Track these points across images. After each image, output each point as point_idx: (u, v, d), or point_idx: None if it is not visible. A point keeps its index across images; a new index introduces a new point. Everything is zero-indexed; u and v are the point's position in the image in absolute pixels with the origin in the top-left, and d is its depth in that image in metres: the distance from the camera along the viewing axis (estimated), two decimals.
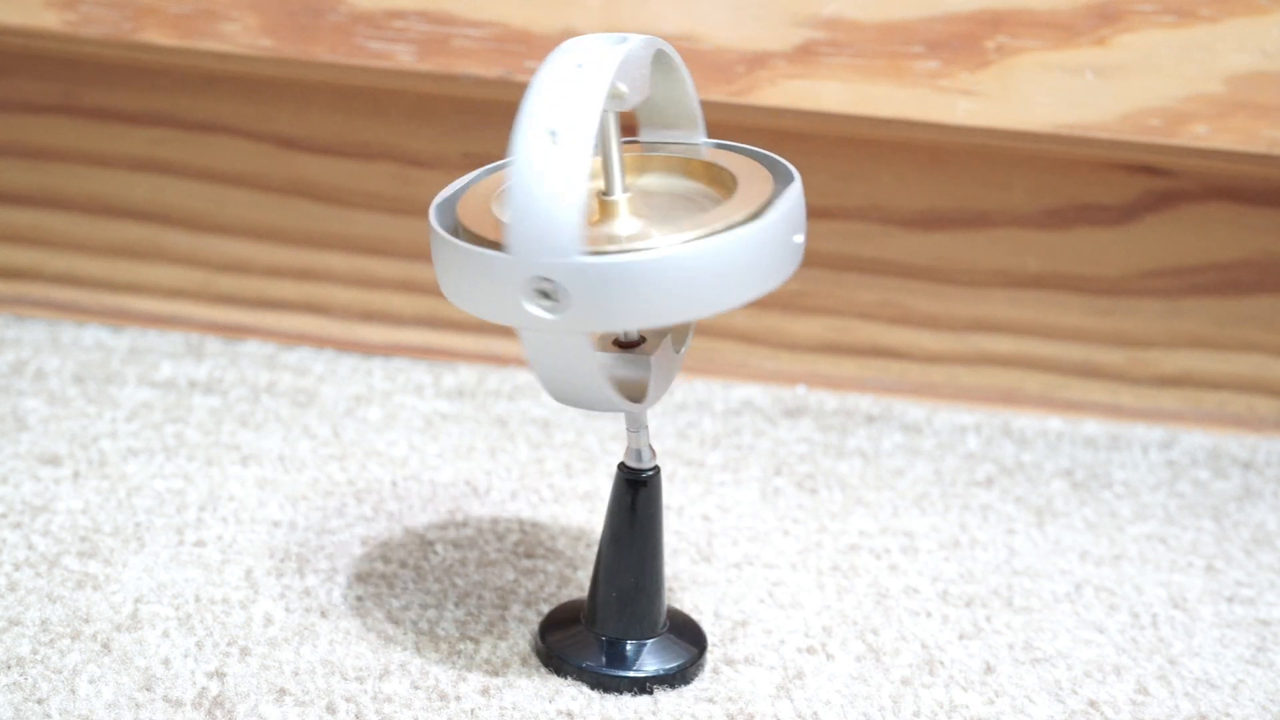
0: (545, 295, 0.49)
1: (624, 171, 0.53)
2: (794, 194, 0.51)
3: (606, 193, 0.53)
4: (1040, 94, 0.69)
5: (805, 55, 0.69)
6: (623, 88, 0.50)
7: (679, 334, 0.57)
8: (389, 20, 0.70)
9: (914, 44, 0.69)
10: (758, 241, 0.50)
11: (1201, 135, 0.69)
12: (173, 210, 0.77)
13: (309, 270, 0.78)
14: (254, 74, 0.74)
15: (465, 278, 0.50)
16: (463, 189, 0.55)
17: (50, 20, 0.70)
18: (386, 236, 0.77)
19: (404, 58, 0.70)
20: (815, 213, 0.75)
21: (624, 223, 0.52)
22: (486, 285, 0.49)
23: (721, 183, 0.54)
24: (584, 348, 0.50)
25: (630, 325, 0.49)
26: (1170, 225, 0.75)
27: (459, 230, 0.52)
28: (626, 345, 0.55)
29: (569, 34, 0.69)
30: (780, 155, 0.55)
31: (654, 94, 0.55)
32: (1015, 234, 0.76)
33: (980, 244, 0.76)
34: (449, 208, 0.54)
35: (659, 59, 0.53)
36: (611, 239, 0.51)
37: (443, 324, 0.77)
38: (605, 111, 0.51)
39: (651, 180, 0.56)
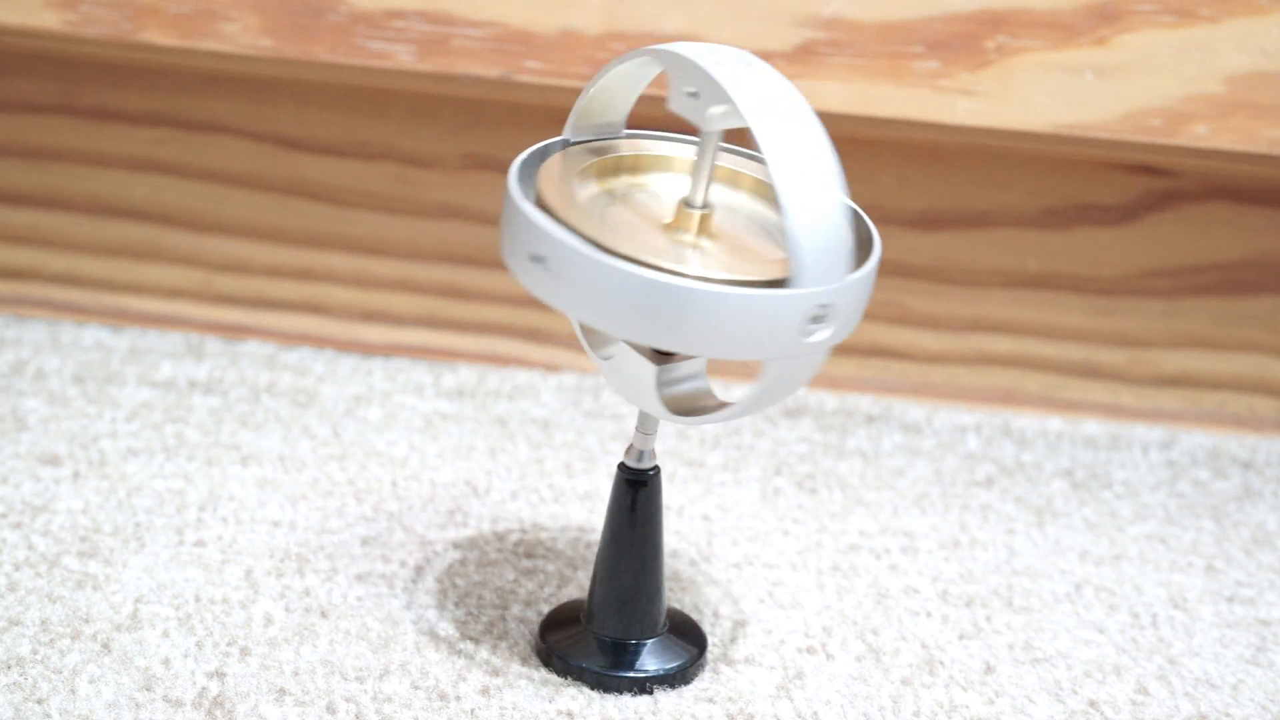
0: (818, 320, 0.49)
1: (708, 188, 0.53)
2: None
3: (689, 203, 0.53)
4: (1040, 94, 0.69)
5: (805, 55, 0.69)
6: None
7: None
8: (389, 20, 0.70)
9: (914, 44, 0.69)
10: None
11: (1201, 135, 0.69)
12: (173, 210, 0.77)
13: (309, 270, 0.78)
14: (254, 74, 0.74)
15: (734, 321, 0.49)
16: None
17: (50, 20, 0.70)
18: (386, 236, 0.77)
19: (404, 58, 0.70)
20: None
21: (690, 236, 0.52)
22: (763, 324, 0.49)
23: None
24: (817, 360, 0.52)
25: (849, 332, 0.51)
26: (1170, 225, 0.75)
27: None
28: (662, 354, 0.54)
29: (569, 34, 0.69)
30: None
31: None
32: (1015, 234, 0.76)
33: (980, 244, 0.76)
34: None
35: None
36: (677, 251, 0.51)
37: (443, 324, 0.77)
38: (707, 128, 0.51)
39: (736, 198, 0.55)
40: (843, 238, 0.49)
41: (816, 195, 0.49)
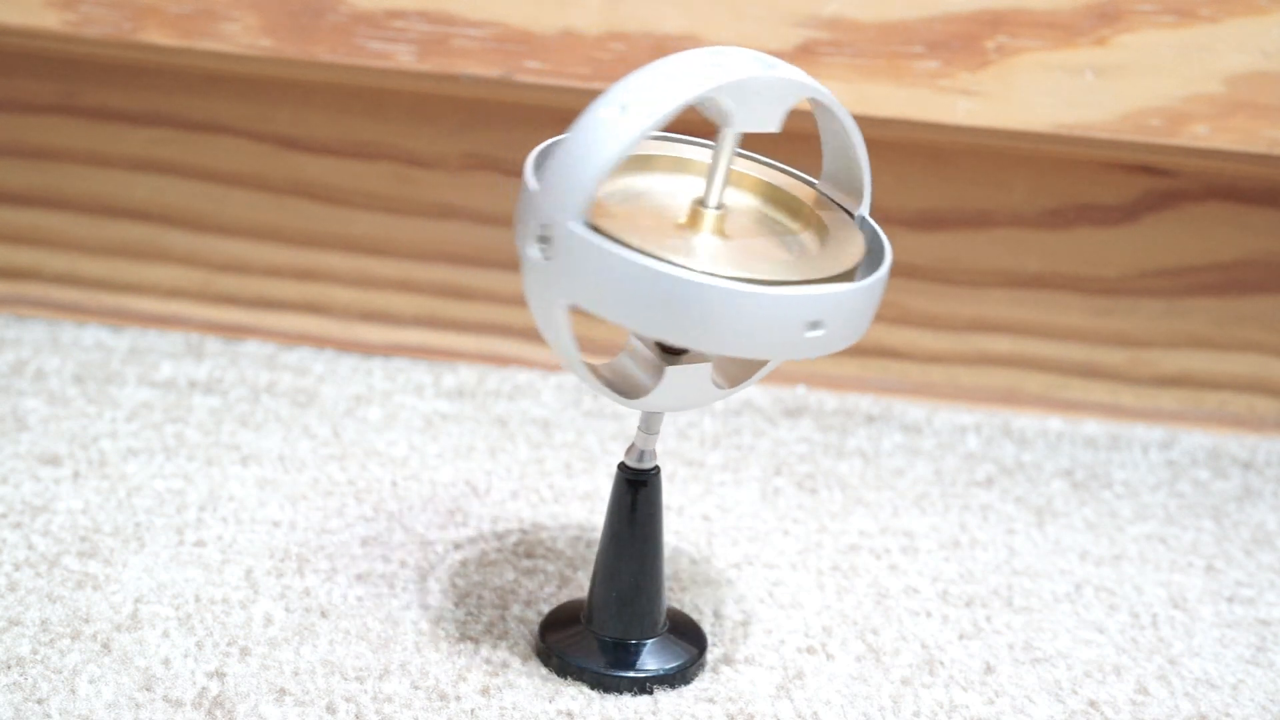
0: (815, 327, 0.50)
1: (723, 189, 0.53)
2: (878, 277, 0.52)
3: (703, 203, 0.53)
4: (1040, 94, 0.69)
5: (805, 55, 0.69)
6: (726, 103, 0.50)
7: (729, 371, 0.56)
8: (389, 20, 0.70)
9: (914, 44, 0.69)
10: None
11: (1201, 135, 0.69)
12: (173, 210, 0.77)
13: (309, 270, 0.78)
14: (254, 74, 0.74)
15: (740, 319, 0.49)
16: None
17: (50, 20, 0.70)
18: (386, 236, 0.77)
19: (404, 58, 0.70)
20: None
21: (704, 237, 0.52)
22: (767, 323, 0.49)
23: (817, 235, 0.54)
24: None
25: None
26: (1170, 225, 0.75)
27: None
28: (670, 350, 0.54)
29: (569, 34, 0.69)
30: (781, 156, 0.55)
31: (828, 147, 0.54)
32: (1015, 234, 0.76)
33: (980, 244, 0.76)
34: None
35: (826, 115, 0.53)
36: (688, 251, 0.51)
37: (443, 324, 0.77)
38: (725, 130, 0.51)
39: (750, 201, 0.56)
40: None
41: None
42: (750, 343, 0.49)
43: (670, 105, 0.49)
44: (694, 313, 0.49)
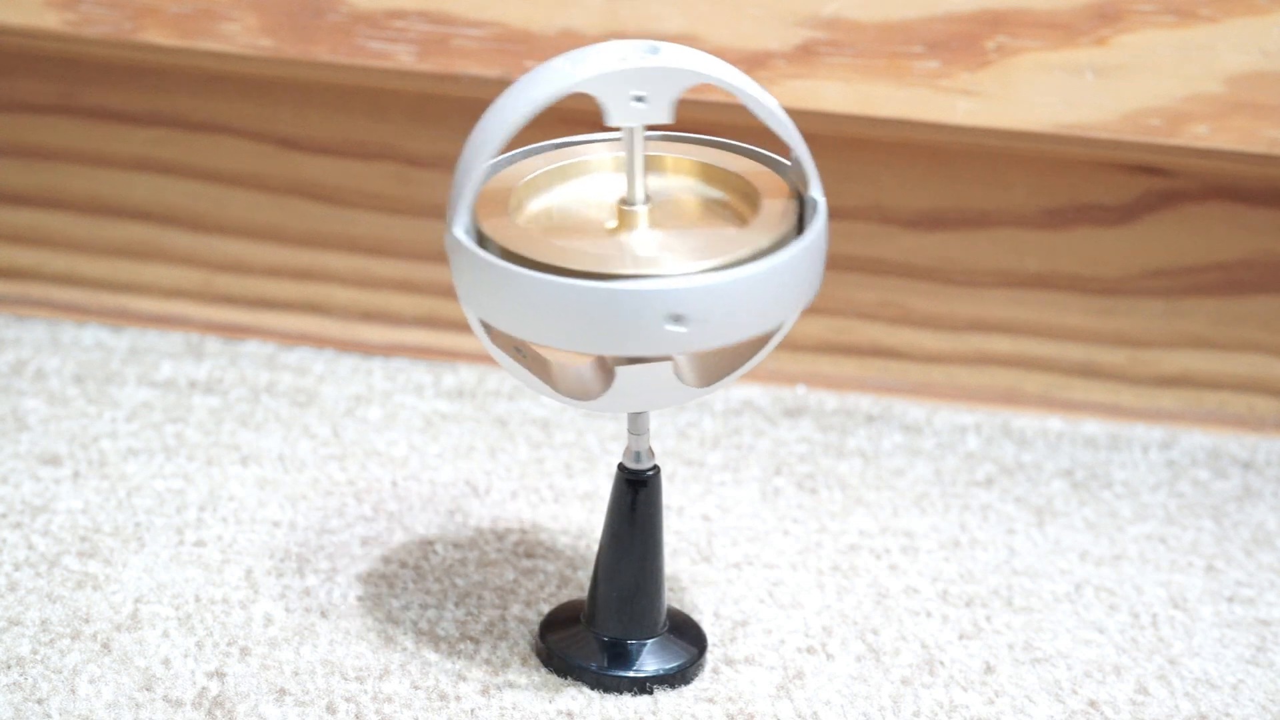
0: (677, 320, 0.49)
1: (644, 183, 0.53)
2: (811, 237, 0.51)
3: (627, 202, 0.53)
4: (1040, 94, 0.69)
5: (805, 55, 0.69)
6: (599, 99, 0.50)
7: (702, 369, 0.56)
8: (389, 20, 0.70)
9: (914, 44, 0.69)
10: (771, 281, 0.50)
11: (1201, 135, 0.69)
12: (173, 210, 0.77)
13: (309, 270, 0.78)
14: (254, 74, 0.74)
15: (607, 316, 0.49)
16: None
17: (50, 20, 0.70)
18: (386, 236, 0.77)
19: (404, 58, 0.70)
20: None
21: (641, 235, 0.52)
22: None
23: (747, 199, 0.54)
24: None
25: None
26: (1170, 225, 0.75)
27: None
28: None
29: (569, 34, 0.69)
30: (781, 155, 0.55)
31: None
32: (1015, 234, 0.76)
33: (980, 244, 0.76)
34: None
35: (751, 103, 0.52)
36: (624, 252, 0.51)
37: (443, 324, 0.77)
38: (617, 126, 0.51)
39: (678, 183, 0.55)
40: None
41: None
42: (609, 338, 0.49)
43: (526, 109, 0.49)
44: (629, 317, 0.49)
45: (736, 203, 0.54)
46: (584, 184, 0.55)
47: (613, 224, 0.53)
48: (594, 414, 0.73)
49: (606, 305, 0.49)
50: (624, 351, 0.50)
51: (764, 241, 0.51)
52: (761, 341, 0.54)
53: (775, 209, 0.53)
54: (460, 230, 0.51)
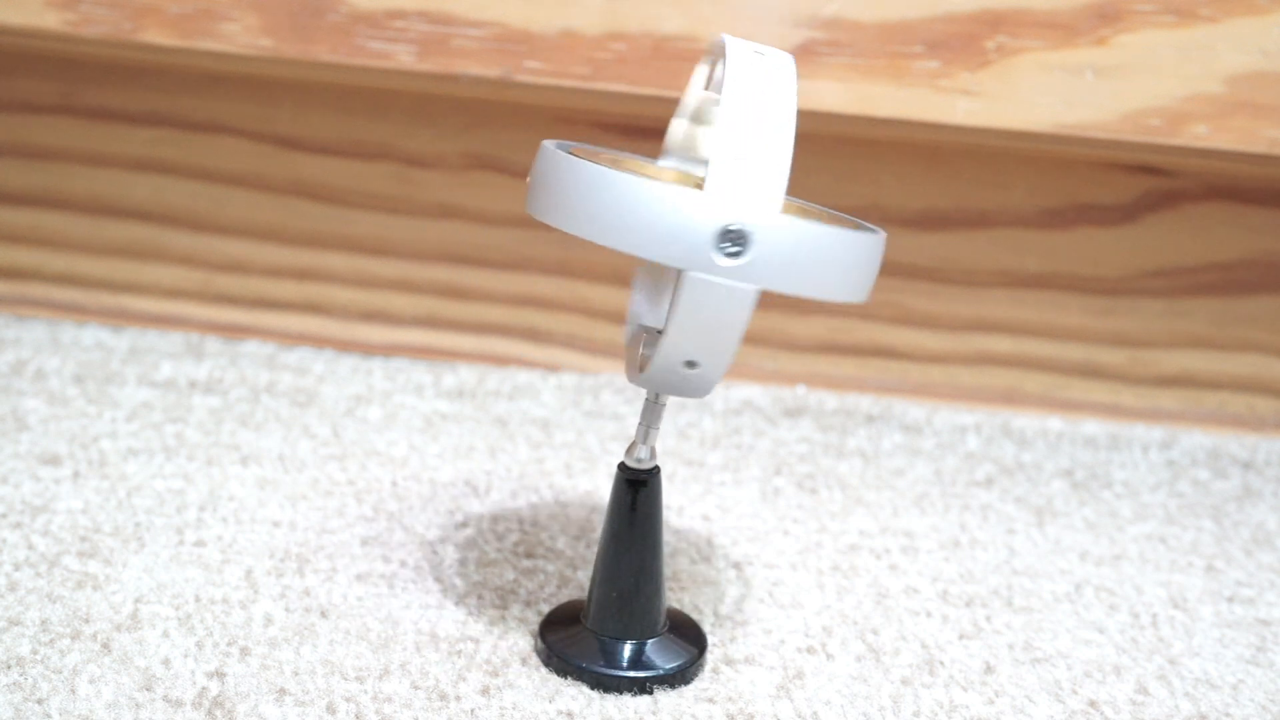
0: (732, 241, 0.48)
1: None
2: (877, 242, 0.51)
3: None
4: (1040, 94, 0.69)
5: (805, 55, 0.69)
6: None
7: None
8: (389, 20, 0.70)
9: (914, 44, 0.69)
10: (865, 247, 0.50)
11: (1201, 135, 0.69)
12: (173, 210, 0.77)
13: (309, 270, 0.78)
14: (254, 74, 0.74)
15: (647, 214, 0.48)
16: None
17: (50, 20, 0.70)
18: (386, 236, 0.77)
19: (404, 58, 0.70)
20: None
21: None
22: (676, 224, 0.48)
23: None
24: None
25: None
26: (1170, 225, 0.75)
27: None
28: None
29: (569, 34, 0.69)
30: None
31: None
32: (1015, 234, 0.76)
33: (980, 244, 0.76)
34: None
35: None
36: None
37: (443, 324, 0.77)
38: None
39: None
40: (770, 176, 0.48)
41: (758, 125, 0.48)
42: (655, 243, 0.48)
43: (789, 66, 0.49)
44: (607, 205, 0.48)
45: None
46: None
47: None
48: (596, 412, 0.73)
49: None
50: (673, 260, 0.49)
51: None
52: None
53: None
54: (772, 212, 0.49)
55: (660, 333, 0.53)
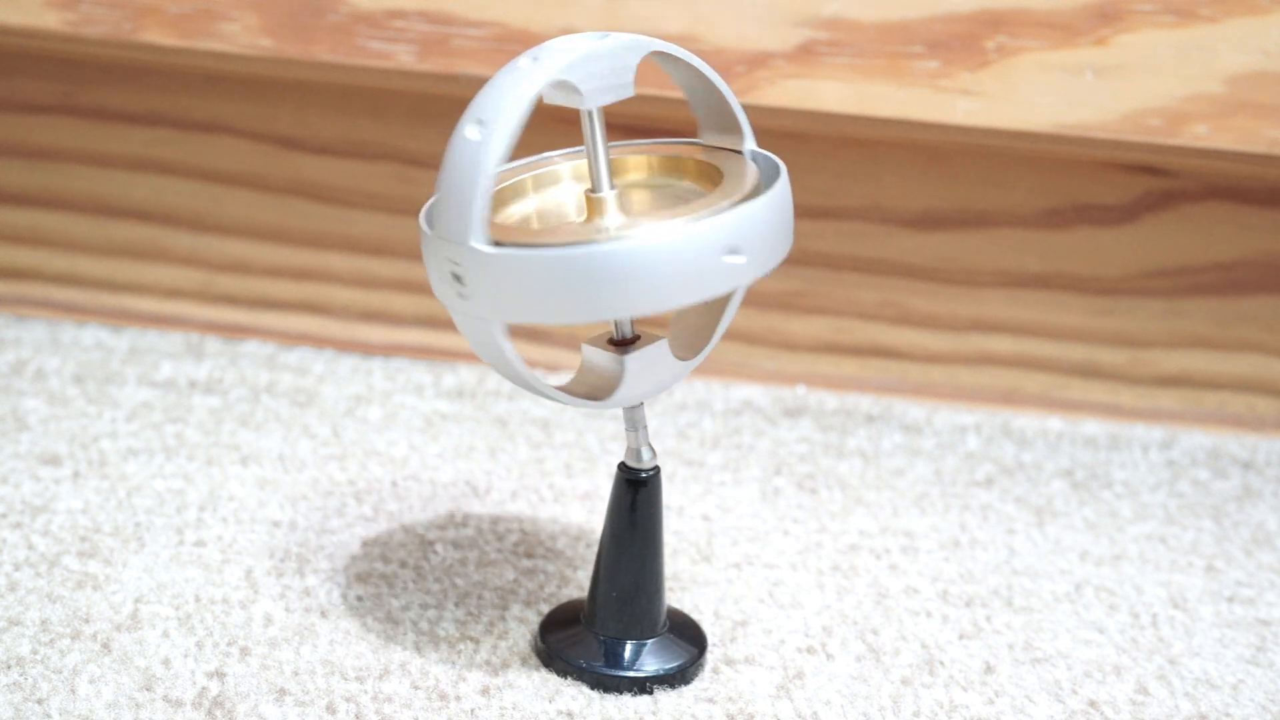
0: (456, 279, 0.50)
1: (609, 169, 0.53)
2: (733, 208, 0.51)
3: (593, 190, 0.53)
4: (1040, 94, 0.69)
5: (805, 55, 0.69)
6: (574, 82, 0.50)
7: (686, 342, 0.56)
8: (389, 20, 0.70)
9: (914, 44, 0.69)
10: (677, 247, 0.50)
11: (1201, 135, 0.69)
12: (173, 210, 0.77)
13: (309, 270, 0.78)
14: (254, 74, 0.74)
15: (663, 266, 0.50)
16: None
17: (50, 20, 0.70)
18: (386, 236, 0.77)
19: (404, 58, 0.70)
20: (815, 213, 0.75)
21: (612, 219, 0.53)
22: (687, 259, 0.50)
23: (711, 181, 0.54)
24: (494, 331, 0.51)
25: (521, 318, 0.50)
26: (1170, 225, 0.75)
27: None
28: (620, 343, 0.55)
29: (569, 33, 0.69)
30: (780, 156, 0.55)
31: (694, 99, 0.55)
32: (1015, 234, 0.76)
33: (980, 244, 0.76)
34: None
35: (676, 63, 0.53)
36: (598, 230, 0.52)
37: (443, 324, 0.77)
38: (588, 112, 0.52)
39: (655, 179, 0.56)
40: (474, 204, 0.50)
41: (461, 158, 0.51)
42: (678, 287, 0.49)
43: (523, 105, 0.49)
44: (617, 277, 0.49)
45: (681, 175, 0.56)
46: (548, 195, 0.56)
47: (581, 217, 0.54)
48: (594, 413, 0.73)
49: (671, 252, 0.49)
50: (691, 297, 0.50)
51: (754, 180, 0.52)
52: (726, 299, 0.56)
53: (731, 162, 0.54)
54: (478, 242, 0.50)
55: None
